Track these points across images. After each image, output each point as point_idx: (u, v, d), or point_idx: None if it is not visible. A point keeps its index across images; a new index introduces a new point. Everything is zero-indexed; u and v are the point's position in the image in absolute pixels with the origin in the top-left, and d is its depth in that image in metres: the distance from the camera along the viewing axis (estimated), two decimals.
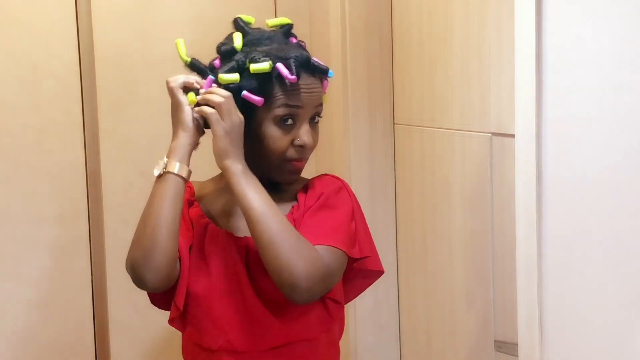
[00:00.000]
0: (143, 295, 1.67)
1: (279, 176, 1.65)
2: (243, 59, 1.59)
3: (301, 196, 1.67)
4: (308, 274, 1.50)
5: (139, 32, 2.33)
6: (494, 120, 1.99)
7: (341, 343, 1.77)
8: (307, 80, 1.60)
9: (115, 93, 2.32)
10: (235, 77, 1.57)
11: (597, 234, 1.49)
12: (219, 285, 1.62)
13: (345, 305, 1.72)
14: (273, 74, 1.57)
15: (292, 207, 1.66)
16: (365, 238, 1.68)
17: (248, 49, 1.61)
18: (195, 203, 1.69)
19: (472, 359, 2.13)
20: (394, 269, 2.44)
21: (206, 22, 2.34)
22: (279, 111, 1.59)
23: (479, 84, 2.02)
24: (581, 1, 1.48)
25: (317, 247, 1.55)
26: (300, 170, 1.66)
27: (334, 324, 1.68)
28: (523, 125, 1.58)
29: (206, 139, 1.61)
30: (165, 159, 1.57)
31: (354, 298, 1.80)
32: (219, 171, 1.63)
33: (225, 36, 1.67)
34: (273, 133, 1.61)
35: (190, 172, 1.59)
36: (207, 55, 1.67)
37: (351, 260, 1.64)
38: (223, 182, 1.66)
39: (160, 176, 1.58)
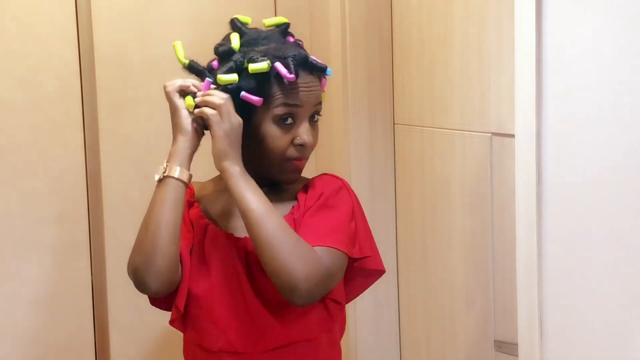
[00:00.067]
0: (143, 296, 1.67)
1: (280, 176, 1.65)
2: (241, 59, 1.59)
3: (301, 196, 1.67)
4: (307, 276, 1.50)
5: (139, 32, 2.32)
6: (494, 120, 1.99)
7: (341, 343, 1.77)
8: (305, 79, 1.60)
9: (115, 93, 2.32)
10: (234, 77, 1.58)
11: (597, 234, 1.49)
12: (219, 286, 1.62)
13: (345, 305, 1.72)
14: (271, 73, 1.57)
15: (293, 207, 1.66)
16: (366, 237, 1.68)
17: (246, 49, 1.61)
18: (195, 204, 1.69)
19: (472, 359, 2.13)
20: (394, 269, 2.44)
21: (206, 22, 2.34)
22: (279, 110, 1.59)
23: (479, 84, 2.02)
24: (581, 1, 1.48)
25: (316, 248, 1.55)
26: (301, 169, 1.66)
27: (335, 324, 1.68)
28: (523, 125, 1.58)
29: (206, 140, 1.61)
30: (165, 164, 1.58)
31: (355, 297, 1.80)
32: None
33: (224, 37, 1.67)
34: (273, 132, 1.61)
35: (190, 176, 1.59)
36: (208, 56, 1.67)
37: (352, 260, 1.64)
38: (223, 183, 1.66)
39: (160, 181, 1.58)
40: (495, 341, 2.05)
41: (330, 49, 2.40)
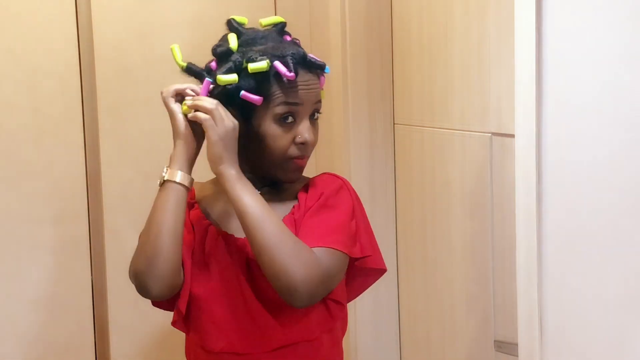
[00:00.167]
0: None
1: (282, 175, 1.65)
2: (240, 59, 1.59)
3: (302, 196, 1.66)
4: (306, 277, 1.50)
5: (139, 32, 2.32)
6: (494, 120, 1.99)
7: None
8: (304, 77, 1.60)
9: (115, 93, 2.32)
10: (233, 77, 1.57)
11: (597, 234, 1.49)
12: (220, 288, 1.62)
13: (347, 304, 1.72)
14: (271, 72, 1.57)
15: (293, 207, 1.66)
16: (367, 236, 1.68)
17: (244, 49, 1.61)
18: (196, 205, 1.69)
19: (472, 359, 2.13)
20: (394, 269, 2.44)
21: (206, 22, 2.34)
22: (279, 109, 1.59)
23: (479, 84, 2.02)
24: (581, 1, 1.48)
25: (316, 249, 1.55)
26: (302, 168, 1.66)
27: (336, 324, 1.68)
28: (523, 125, 1.58)
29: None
30: (166, 168, 1.58)
31: (356, 297, 1.80)
32: None
33: (221, 37, 1.67)
34: (274, 132, 1.60)
35: (192, 180, 1.60)
36: (209, 56, 1.67)
37: (352, 260, 1.64)
38: None
39: (162, 185, 1.58)
40: (495, 341, 2.05)
41: (330, 49, 2.40)
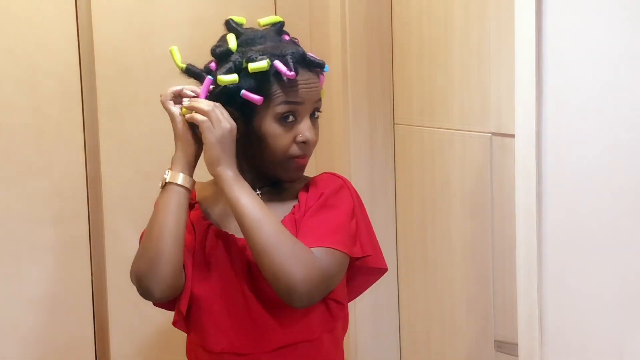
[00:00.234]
0: None
1: (283, 174, 1.65)
2: (240, 59, 1.59)
3: (302, 195, 1.66)
4: (305, 278, 1.50)
5: (139, 32, 2.32)
6: (494, 120, 1.99)
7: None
8: (304, 76, 1.60)
9: (115, 93, 2.32)
10: (234, 77, 1.57)
11: (597, 234, 1.49)
12: (220, 288, 1.62)
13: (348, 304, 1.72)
14: (271, 71, 1.57)
15: (294, 206, 1.66)
16: (367, 236, 1.68)
17: (244, 49, 1.61)
18: (196, 205, 1.69)
19: (472, 359, 2.13)
20: (394, 269, 2.44)
21: (206, 23, 2.34)
22: (280, 109, 1.59)
23: (479, 84, 2.02)
24: (581, 1, 1.48)
25: (315, 249, 1.54)
26: (304, 167, 1.66)
27: (337, 323, 1.68)
28: (523, 125, 1.58)
29: None
30: (168, 171, 1.59)
31: (357, 296, 1.80)
32: None
33: (220, 38, 1.67)
34: (275, 131, 1.60)
35: (193, 182, 1.60)
36: (208, 56, 1.67)
37: (353, 259, 1.64)
38: None
39: (163, 187, 1.59)
40: (495, 341, 2.05)
41: (330, 49, 2.40)
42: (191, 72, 1.64)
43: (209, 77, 1.60)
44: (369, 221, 1.70)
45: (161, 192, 1.60)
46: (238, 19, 1.67)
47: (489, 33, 1.97)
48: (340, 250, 1.57)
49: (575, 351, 1.55)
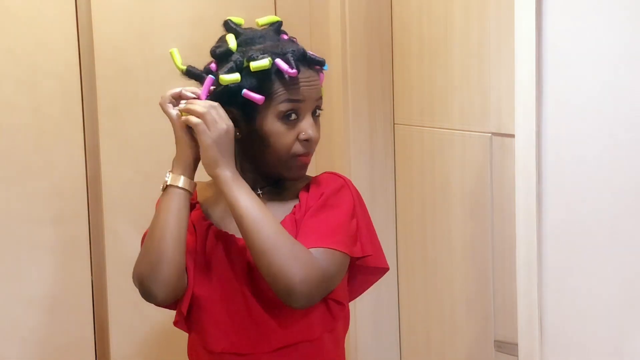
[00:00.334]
0: None
1: (287, 173, 1.65)
2: (241, 59, 1.59)
3: (303, 195, 1.66)
4: (304, 279, 1.50)
5: (139, 32, 2.32)
6: (494, 120, 1.99)
7: None
8: (305, 74, 1.60)
9: (115, 93, 2.32)
10: (236, 77, 1.57)
11: (597, 234, 1.49)
12: (221, 288, 1.62)
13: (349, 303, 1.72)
14: (272, 70, 1.57)
15: (294, 206, 1.66)
16: (368, 235, 1.67)
17: (244, 49, 1.61)
18: (197, 205, 1.69)
19: (472, 359, 2.13)
20: (394, 269, 2.44)
21: (206, 23, 2.34)
22: (282, 107, 1.59)
23: (479, 84, 2.02)
24: (581, 1, 1.48)
25: (315, 250, 1.54)
26: (307, 165, 1.66)
27: (337, 323, 1.67)
28: (523, 125, 1.58)
29: None
30: (169, 173, 1.59)
31: (359, 295, 1.80)
32: None
33: (219, 39, 1.67)
34: (278, 129, 1.60)
35: (194, 184, 1.60)
36: (208, 56, 1.67)
37: (354, 259, 1.64)
38: None
39: (164, 190, 1.59)
40: (495, 341, 2.05)
41: (330, 49, 2.40)
42: (192, 74, 1.64)
43: (210, 77, 1.60)
44: (370, 221, 1.70)
45: (162, 194, 1.60)
46: (236, 19, 1.68)
47: (489, 33, 1.97)
48: (340, 251, 1.57)
49: (575, 351, 1.55)
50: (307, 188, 1.67)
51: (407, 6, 2.32)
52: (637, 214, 1.42)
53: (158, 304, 1.62)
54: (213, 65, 1.64)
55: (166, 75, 1.66)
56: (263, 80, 1.58)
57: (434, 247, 2.25)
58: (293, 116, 1.60)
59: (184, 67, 1.64)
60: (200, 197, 1.71)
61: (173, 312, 1.69)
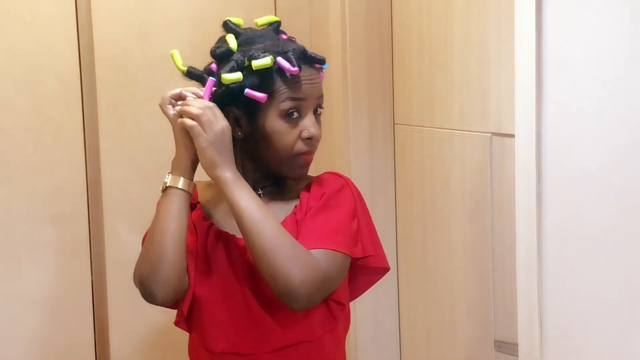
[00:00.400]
0: None
1: (289, 171, 1.64)
2: (242, 58, 1.59)
3: (304, 195, 1.66)
4: (304, 280, 1.50)
5: (139, 32, 2.33)
6: (494, 120, 1.99)
7: None
8: (306, 72, 1.60)
9: (115, 93, 2.32)
10: (238, 76, 1.57)
11: (597, 234, 1.49)
12: (221, 288, 1.62)
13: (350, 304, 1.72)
14: (274, 68, 1.57)
15: (295, 206, 1.66)
16: (369, 235, 1.67)
17: (244, 48, 1.61)
18: (198, 206, 1.69)
19: (472, 359, 2.13)
20: (394, 269, 2.44)
21: (206, 23, 2.34)
22: (284, 105, 1.59)
23: (479, 84, 2.02)
24: (581, 1, 1.48)
25: (315, 251, 1.54)
26: (309, 163, 1.65)
27: (338, 324, 1.67)
28: (523, 125, 1.58)
29: None
30: (168, 175, 1.59)
31: (360, 295, 1.79)
32: None
33: (218, 39, 1.67)
34: (280, 128, 1.60)
35: (194, 185, 1.60)
36: (209, 57, 1.67)
37: (354, 259, 1.64)
38: None
39: (164, 191, 1.59)
40: (495, 341, 2.05)
41: (330, 49, 2.40)
42: (192, 75, 1.64)
43: (211, 78, 1.60)
44: (371, 220, 1.70)
45: (162, 196, 1.60)
46: (235, 19, 1.68)
47: (489, 33, 1.97)
48: (341, 252, 1.57)
49: (575, 351, 1.55)
50: (308, 188, 1.67)
51: (407, 6, 2.32)
52: (637, 214, 1.42)
53: (159, 305, 1.62)
54: (214, 66, 1.64)
55: (166, 76, 1.66)
56: (265, 79, 1.58)
57: (434, 247, 2.25)
58: (295, 114, 1.60)
59: (185, 69, 1.64)
60: (200, 197, 1.71)
61: (173, 313, 1.69)
